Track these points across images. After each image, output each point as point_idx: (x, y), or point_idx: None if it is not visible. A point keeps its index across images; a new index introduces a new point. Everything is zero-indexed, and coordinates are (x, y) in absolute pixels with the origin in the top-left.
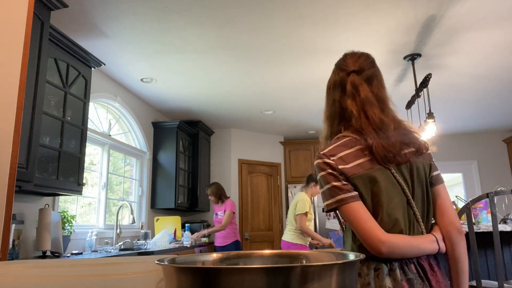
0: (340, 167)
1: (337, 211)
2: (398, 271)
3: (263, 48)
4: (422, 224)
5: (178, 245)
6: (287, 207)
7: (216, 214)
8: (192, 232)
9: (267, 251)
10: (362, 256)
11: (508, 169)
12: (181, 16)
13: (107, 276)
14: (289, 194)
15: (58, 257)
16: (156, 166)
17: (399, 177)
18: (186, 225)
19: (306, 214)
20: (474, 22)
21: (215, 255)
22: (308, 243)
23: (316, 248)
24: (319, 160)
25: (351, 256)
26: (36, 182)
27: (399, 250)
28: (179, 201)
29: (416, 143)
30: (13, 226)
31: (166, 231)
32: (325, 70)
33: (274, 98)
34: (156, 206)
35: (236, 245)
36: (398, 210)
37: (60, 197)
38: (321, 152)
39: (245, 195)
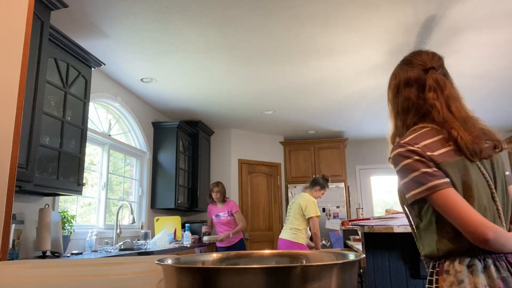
0: (428, 153)
1: (412, 206)
2: (492, 268)
3: (263, 48)
4: (503, 221)
5: (178, 245)
6: (287, 207)
7: (218, 215)
8: (192, 233)
9: (267, 251)
10: (362, 256)
11: (508, 169)
12: (181, 16)
13: (107, 276)
14: (289, 194)
15: (58, 257)
16: (156, 166)
17: (483, 170)
18: (186, 225)
19: (317, 217)
20: (474, 22)
21: (215, 255)
22: (306, 243)
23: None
24: (401, 149)
25: (351, 256)
26: (36, 182)
27: (501, 239)
28: (179, 201)
29: (495, 139)
30: (13, 226)
31: (166, 231)
32: (325, 70)
33: (274, 98)
34: (156, 206)
35: (241, 243)
36: (486, 203)
37: (60, 197)
38: (402, 142)
39: (245, 195)
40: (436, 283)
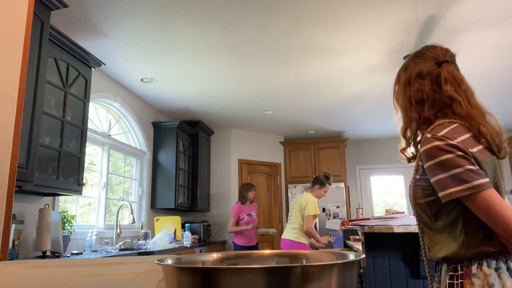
0: (470, 150)
1: (429, 205)
2: None
3: (263, 48)
4: None
5: (178, 245)
6: (287, 207)
7: (250, 214)
8: (192, 233)
9: (267, 251)
10: (362, 256)
11: (508, 169)
12: (181, 16)
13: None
14: (289, 194)
15: (58, 257)
16: (156, 166)
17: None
18: (186, 225)
19: (314, 216)
20: (474, 22)
21: (215, 255)
22: (309, 243)
23: (317, 249)
24: (440, 143)
25: (351, 256)
26: (36, 182)
27: None
28: (179, 201)
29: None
30: (13, 226)
31: (166, 231)
32: (325, 70)
33: (274, 98)
34: (156, 206)
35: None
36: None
37: (60, 197)
38: (439, 134)
39: None
40: (461, 287)
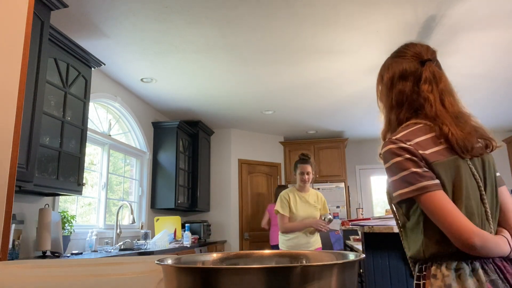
0: (420, 152)
1: (399, 204)
2: (481, 271)
3: (263, 48)
4: (491, 223)
5: (178, 245)
6: None
7: None
8: (192, 233)
9: (267, 251)
10: (362, 256)
11: (508, 169)
12: (181, 16)
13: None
14: None
15: (58, 257)
16: (156, 166)
17: (474, 171)
18: (186, 225)
19: (282, 215)
20: (474, 22)
21: (215, 255)
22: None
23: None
24: (392, 146)
25: (351, 256)
26: (36, 182)
27: (488, 245)
28: (179, 201)
29: (486, 137)
30: (13, 226)
31: (166, 231)
32: (325, 70)
33: (274, 98)
34: (156, 206)
35: None
36: (473, 206)
37: (60, 197)
38: (394, 138)
39: (245, 195)
40: (423, 287)
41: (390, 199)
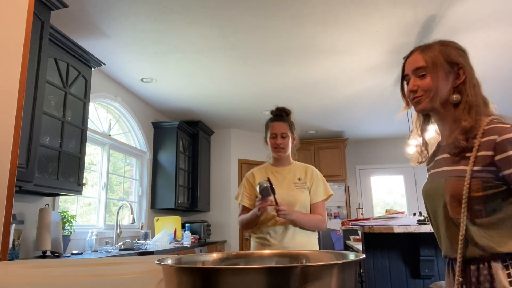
0: None
1: (493, 197)
2: None
3: (263, 48)
4: None
5: (178, 245)
6: None
7: None
8: (192, 233)
9: (267, 251)
10: (362, 256)
11: None
12: (181, 16)
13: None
14: None
15: (58, 257)
16: (156, 166)
17: None
18: (186, 225)
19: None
20: (474, 22)
21: (215, 255)
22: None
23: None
24: None
25: (351, 256)
26: (36, 182)
27: None
28: (179, 201)
29: None
30: (13, 226)
31: (166, 231)
32: (325, 70)
33: (274, 98)
34: (156, 206)
35: None
36: None
37: (60, 197)
38: None
39: None
40: None
41: (470, 190)
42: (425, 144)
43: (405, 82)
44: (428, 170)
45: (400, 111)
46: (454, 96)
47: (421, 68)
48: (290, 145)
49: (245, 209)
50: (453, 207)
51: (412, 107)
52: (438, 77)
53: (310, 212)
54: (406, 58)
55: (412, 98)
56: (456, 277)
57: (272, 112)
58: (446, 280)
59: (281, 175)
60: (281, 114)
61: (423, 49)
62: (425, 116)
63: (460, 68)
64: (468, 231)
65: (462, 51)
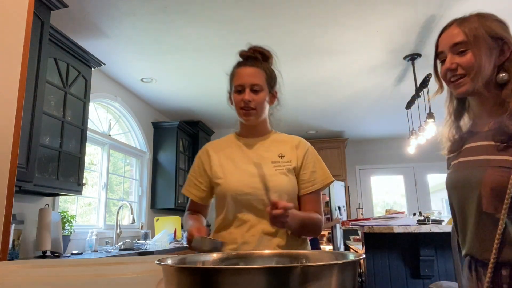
0: None
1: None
2: None
3: None
4: None
5: (178, 245)
6: None
7: None
8: None
9: (267, 251)
10: (362, 256)
11: None
12: (181, 16)
13: (107, 276)
14: None
15: (58, 257)
16: (156, 166)
17: None
18: None
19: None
20: None
21: (215, 255)
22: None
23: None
24: None
25: (351, 256)
26: (36, 182)
27: None
28: (179, 201)
29: None
30: (13, 226)
31: (166, 231)
32: (325, 70)
33: None
34: (156, 206)
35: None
36: None
37: (60, 197)
38: None
39: None
40: None
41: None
42: (459, 131)
43: (438, 61)
44: (451, 159)
45: (432, 95)
46: (501, 75)
47: (461, 43)
48: (266, 105)
49: (193, 204)
50: (491, 201)
51: (445, 91)
52: (481, 53)
53: (300, 208)
54: (441, 33)
55: (449, 78)
56: (486, 282)
57: (241, 54)
58: (466, 284)
59: (252, 151)
60: (254, 56)
61: (461, 22)
62: (459, 100)
63: (504, 43)
64: (507, 231)
65: (504, 25)
